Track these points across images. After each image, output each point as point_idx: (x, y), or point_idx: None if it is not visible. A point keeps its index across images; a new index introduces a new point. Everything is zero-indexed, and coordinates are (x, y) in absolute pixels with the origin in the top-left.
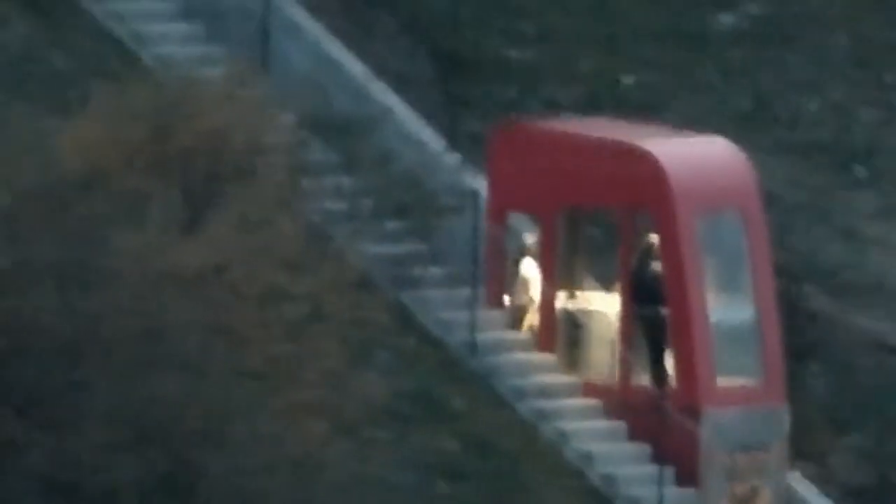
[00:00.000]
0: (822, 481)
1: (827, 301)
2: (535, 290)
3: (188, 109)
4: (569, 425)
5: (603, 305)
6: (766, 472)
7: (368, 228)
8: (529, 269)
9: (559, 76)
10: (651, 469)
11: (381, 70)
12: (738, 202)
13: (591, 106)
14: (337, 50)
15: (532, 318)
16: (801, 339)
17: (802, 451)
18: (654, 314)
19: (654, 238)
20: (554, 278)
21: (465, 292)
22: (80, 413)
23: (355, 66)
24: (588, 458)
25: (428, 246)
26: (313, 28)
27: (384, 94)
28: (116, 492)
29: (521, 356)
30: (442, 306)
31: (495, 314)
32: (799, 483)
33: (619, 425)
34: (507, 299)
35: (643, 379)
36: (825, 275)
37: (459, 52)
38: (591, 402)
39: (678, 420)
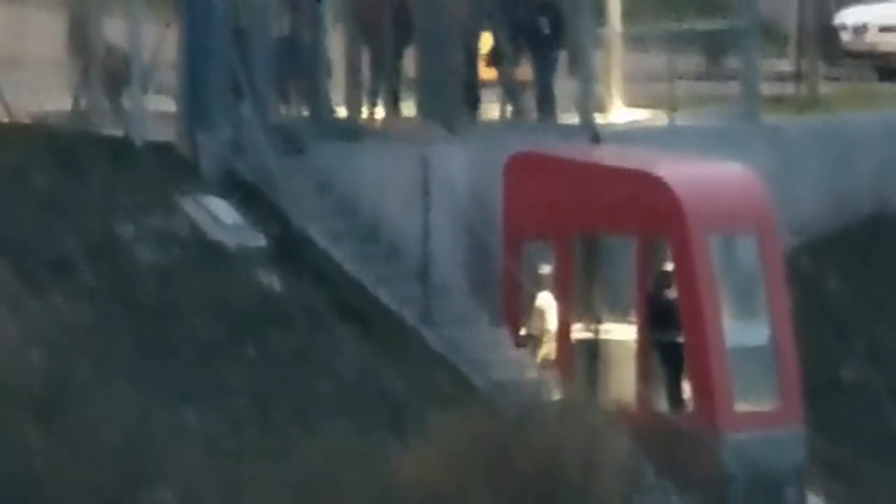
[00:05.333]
0: None
1: None
2: (552, 320)
3: (525, 434)
4: None
5: (620, 333)
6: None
7: None
8: (545, 298)
9: None
10: None
11: None
12: (753, 226)
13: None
14: None
15: (549, 348)
16: None
17: None
18: (671, 340)
19: (670, 264)
20: (570, 307)
21: None
22: None
23: None
24: None
25: None
26: None
27: None
28: None
29: None
30: None
31: None
32: None
33: None
34: (523, 330)
35: (661, 405)
36: None
37: None
38: None
39: (699, 445)
